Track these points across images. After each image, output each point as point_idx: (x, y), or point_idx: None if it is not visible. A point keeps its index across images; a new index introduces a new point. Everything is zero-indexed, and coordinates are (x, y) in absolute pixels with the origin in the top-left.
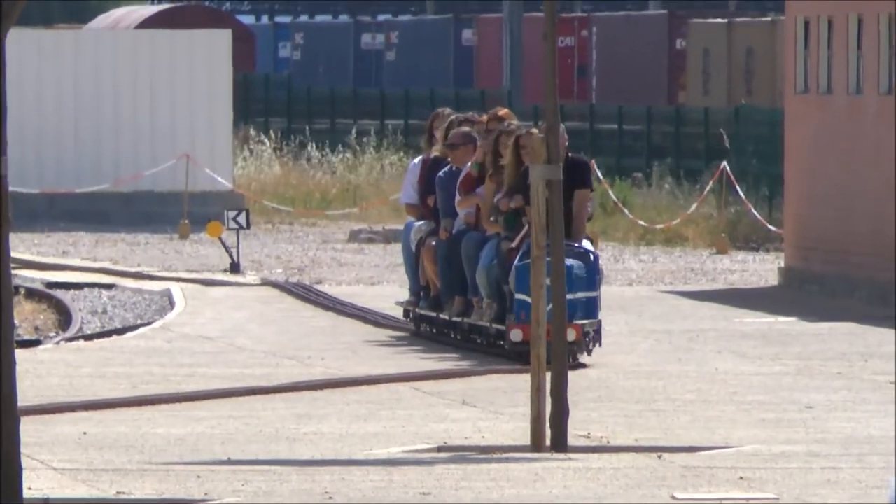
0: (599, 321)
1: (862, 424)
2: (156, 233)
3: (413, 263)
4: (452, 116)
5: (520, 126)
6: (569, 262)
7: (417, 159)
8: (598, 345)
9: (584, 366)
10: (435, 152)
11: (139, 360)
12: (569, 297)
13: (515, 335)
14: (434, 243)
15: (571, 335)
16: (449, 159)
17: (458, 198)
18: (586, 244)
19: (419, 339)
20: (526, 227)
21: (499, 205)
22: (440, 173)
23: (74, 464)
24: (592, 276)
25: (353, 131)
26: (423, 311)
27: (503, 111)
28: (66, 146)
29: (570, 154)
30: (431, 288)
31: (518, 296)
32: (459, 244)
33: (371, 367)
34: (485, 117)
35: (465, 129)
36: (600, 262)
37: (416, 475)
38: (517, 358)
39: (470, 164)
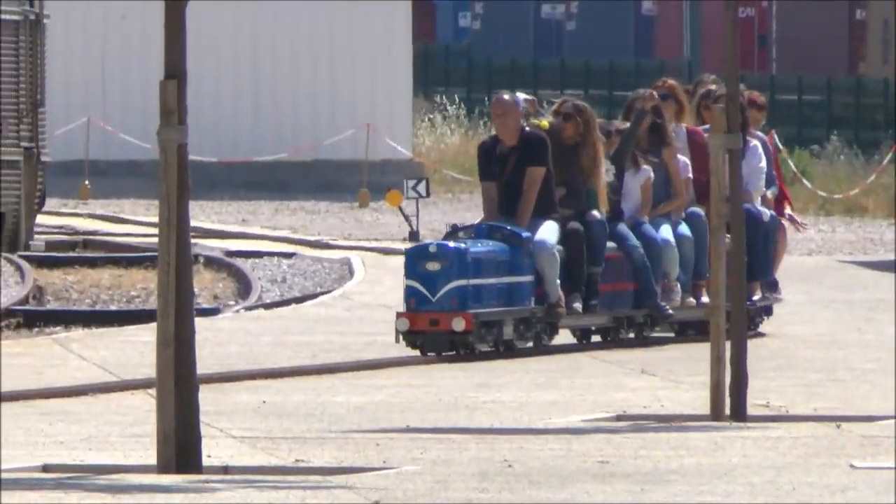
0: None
1: None
2: (335, 201)
3: None
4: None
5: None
6: (488, 245)
7: None
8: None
9: (763, 335)
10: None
11: (319, 328)
12: (476, 281)
13: (401, 324)
14: None
15: (459, 324)
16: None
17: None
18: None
19: None
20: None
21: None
22: None
23: (253, 432)
24: (519, 260)
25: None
26: None
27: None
28: (245, 115)
29: (526, 129)
30: None
31: (407, 282)
32: None
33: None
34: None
35: None
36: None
37: (595, 444)
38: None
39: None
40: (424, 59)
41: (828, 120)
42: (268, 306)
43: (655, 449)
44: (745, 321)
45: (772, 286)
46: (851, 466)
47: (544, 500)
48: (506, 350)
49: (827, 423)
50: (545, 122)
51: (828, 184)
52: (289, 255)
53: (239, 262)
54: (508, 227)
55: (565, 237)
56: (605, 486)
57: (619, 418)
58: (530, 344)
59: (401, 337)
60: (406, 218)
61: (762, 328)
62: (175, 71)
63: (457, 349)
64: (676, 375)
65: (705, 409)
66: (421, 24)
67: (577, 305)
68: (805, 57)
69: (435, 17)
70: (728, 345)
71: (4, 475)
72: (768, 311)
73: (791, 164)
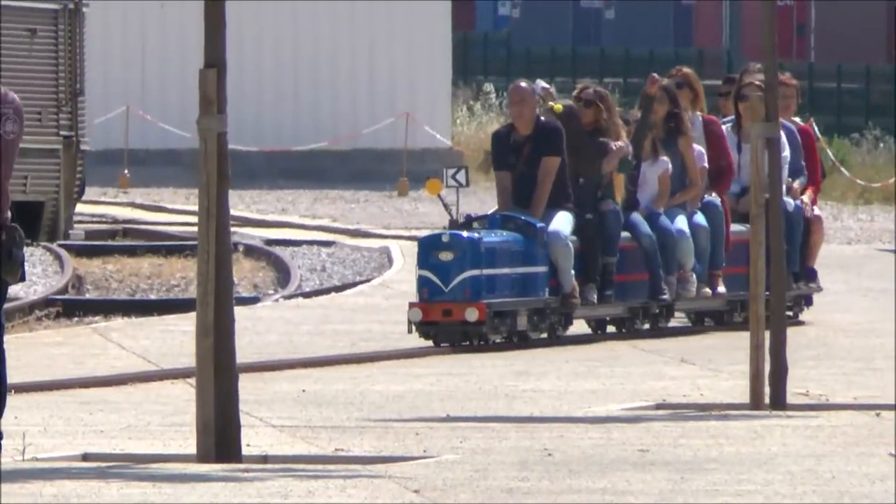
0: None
1: None
2: (374, 190)
3: None
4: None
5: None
6: (501, 235)
7: None
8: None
9: (802, 323)
10: None
11: (358, 317)
12: (490, 272)
13: (414, 315)
14: None
15: (473, 315)
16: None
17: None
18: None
19: None
20: None
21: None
22: None
23: (293, 421)
24: (533, 250)
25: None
26: None
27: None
28: (285, 105)
29: (541, 118)
30: None
31: (420, 271)
32: None
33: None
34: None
35: None
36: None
37: (634, 432)
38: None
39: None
40: (463, 47)
41: (866, 108)
42: (307, 295)
43: (695, 437)
44: (784, 310)
45: (810, 275)
46: (891, 455)
47: (584, 488)
48: (520, 341)
49: (866, 411)
50: (559, 106)
51: (867, 172)
52: (328, 244)
53: (278, 250)
54: (522, 217)
55: (580, 227)
56: (645, 475)
57: (658, 407)
58: (544, 335)
59: (414, 327)
60: (446, 207)
61: (802, 317)
62: (215, 60)
63: (470, 339)
64: (716, 364)
65: (745, 397)
66: (460, 12)
67: (592, 296)
68: (844, 45)
69: (474, 6)
70: (767, 333)
71: (45, 464)
72: (808, 300)
73: (830, 152)
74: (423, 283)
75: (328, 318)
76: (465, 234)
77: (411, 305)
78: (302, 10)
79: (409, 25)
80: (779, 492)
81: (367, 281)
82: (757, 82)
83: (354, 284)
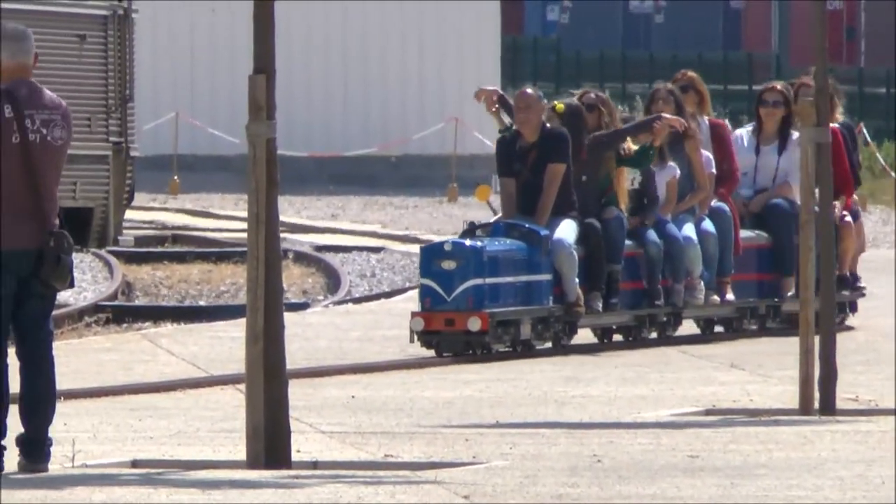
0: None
1: None
2: (424, 196)
3: None
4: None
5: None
6: (505, 243)
7: None
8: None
9: (851, 328)
10: None
11: (407, 322)
12: (493, 280)
13: (416, 324)
14: None
15: (475, 324)
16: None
17: None
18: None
19: None
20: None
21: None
22: None
23: (343, 427)
24: (537, 258)
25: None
26: None
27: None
28: (334, 110)
29: (547, 125)
30: None
31: (422, 280)
32: None
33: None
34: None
35: None
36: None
37: (684, 438)
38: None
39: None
40: (513, 52)
41: None
42: (357, 301)
43: (745, 443)
44: (833, 315)
45: (843, 282)
46: None
47: (633, 494)
48: (524, 350)
49: None
50: (560, 105)
51: None
52: (377, 250)
53: (328, 256)
54: (526, 225)
55: (584, 235)
56: (695, 481)
57: (708, 412)
58: (549, 344)
59: (416, 337)
60: (495, 213)
61: (850, 322)
62: (264, 65)
63: (473, 349)
64: (765, 370)
65: (794, 403)
66: (509, 17)
67: (597, 304)
68: (894, 49)
69: (523, 7)
70: (817, 339)
71: (94, 471)
72: (853, 306)
73: (880, 156)
74: (425, 292)
75: (378, 323)
76: (467, 242)
77: (413, 315)
78: (352, 16)
79: (459, 31)
80: (829, 497)
81: (417, 287)
82: (779, 87)
83: (404, 290)
